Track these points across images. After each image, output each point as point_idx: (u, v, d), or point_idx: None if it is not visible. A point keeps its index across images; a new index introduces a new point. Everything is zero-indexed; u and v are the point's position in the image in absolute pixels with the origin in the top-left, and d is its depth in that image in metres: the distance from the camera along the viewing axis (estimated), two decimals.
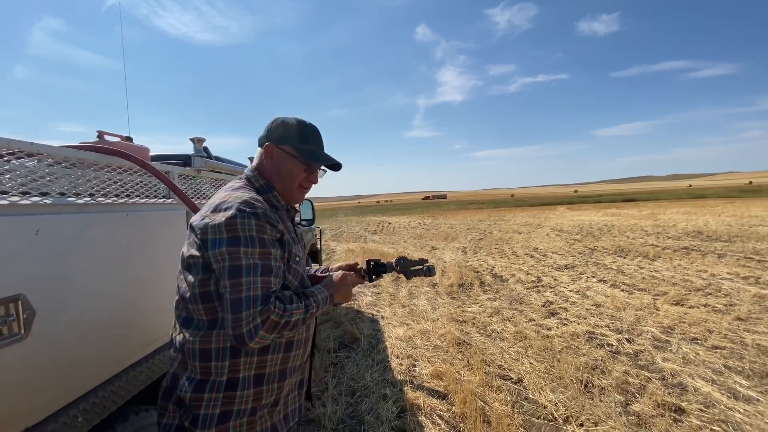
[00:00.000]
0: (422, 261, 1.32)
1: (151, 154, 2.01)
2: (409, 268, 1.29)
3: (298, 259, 1.10)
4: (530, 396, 2.75)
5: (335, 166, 1.17)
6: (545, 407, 2.59)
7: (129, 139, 1.97)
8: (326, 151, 1.19)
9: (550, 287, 5.67)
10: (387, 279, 6.29)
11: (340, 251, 10.34)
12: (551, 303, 4.88)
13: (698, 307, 4.38)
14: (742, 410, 2.42)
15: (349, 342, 3.84)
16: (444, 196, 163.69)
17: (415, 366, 3.29)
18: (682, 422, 2.35)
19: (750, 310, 4.15)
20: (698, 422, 2.33)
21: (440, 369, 3.14)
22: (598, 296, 5.05)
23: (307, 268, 1.32)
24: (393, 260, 1.31)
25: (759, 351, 3.21)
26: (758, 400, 2.53)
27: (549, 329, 3.99)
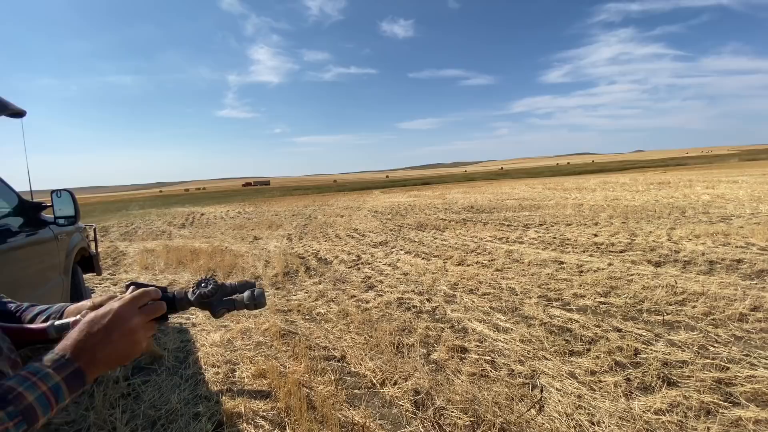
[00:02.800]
0: (245, 285, 0.77)
1: None
2: (219, 299, 0.74)
3: None
4: (352, 369, 2.88)
5: None
6: (365, 376, 2.75)
7: None
8: None
9: (368, 263, 6.15)
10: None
11: (133, 253, 8.45)
12: (369, 278, 5.30)
13: (472, 265, 5.57)
14: (503, 339, 3.18)
15: (147, 363, 3.15)
16: (267, 182, 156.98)
17: (234, 371, 2.98)
18: (466, 359, 2.92)
19: (504, 263, 5.55)
20: (476, 356, 2.93)
21: (263, 367, 2.93)
22: (406, 266, 5.79)
23: (26, 306, 0.77)
24: (190, 287, 0.75)
25: (510, 292, 4.32)
26: (511, 329, 3.38)
27: (367, 302, 4.30)
